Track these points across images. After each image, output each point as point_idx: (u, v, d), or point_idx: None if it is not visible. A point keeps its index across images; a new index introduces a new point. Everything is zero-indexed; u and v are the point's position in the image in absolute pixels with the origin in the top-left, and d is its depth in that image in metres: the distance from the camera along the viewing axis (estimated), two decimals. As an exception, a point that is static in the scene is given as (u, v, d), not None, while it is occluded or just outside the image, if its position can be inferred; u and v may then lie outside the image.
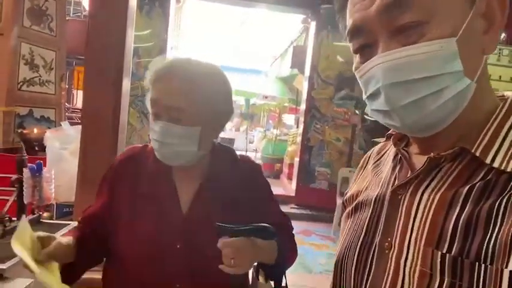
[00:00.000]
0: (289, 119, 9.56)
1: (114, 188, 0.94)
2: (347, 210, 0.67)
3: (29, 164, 1.18)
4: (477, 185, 0.46)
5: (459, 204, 0.46)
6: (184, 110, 0.86)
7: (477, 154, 0.47)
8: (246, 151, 7.18)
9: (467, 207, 0.45)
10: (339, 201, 4.33)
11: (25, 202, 1.16)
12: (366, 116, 4.89)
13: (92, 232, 0.92)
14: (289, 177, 5.89)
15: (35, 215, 1.26)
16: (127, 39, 2.44)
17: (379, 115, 0.53)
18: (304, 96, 5.14)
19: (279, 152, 7.18)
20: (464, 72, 0.46)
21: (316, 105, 4.95)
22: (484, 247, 0.42)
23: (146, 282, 0.89)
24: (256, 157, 8.11)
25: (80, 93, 4.87)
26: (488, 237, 0.43)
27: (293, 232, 1.04)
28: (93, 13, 2.65)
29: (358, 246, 0.58)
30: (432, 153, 0.51)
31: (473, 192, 0.46)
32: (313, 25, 5.06)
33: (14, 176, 1.14)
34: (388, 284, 0.51)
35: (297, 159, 5.21)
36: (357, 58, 0.55)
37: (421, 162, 0.53)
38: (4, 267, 0.92)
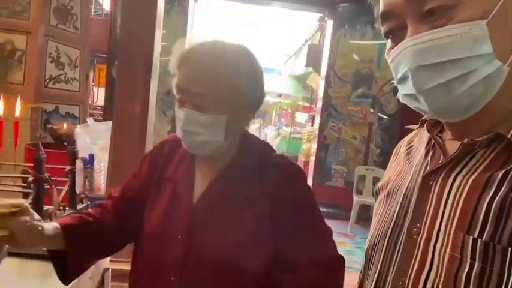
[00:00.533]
0: (300, 117, 9.58)
1: (148, 170, 0.93)
2: (379, 197, 0.67)
3: (81, 156, 1.26)
4: None
5: (493, 189, 0.46)
6: (209, 97, 0.80)
7: None
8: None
9: (500, 192, 0.45)
10: (355, 199, 4.37)
11: (77, 192, 1.23)
12: (380, 114, 4.91)
13: (117, 214, 0.90)
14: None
15: (84, 205, 1.33)
16: (155, 40, 2.52)
17: (408, 99, 0.53)
18: (321, 94, 5.17)
19: (293, 150, 7.22)
20: (495, 55, 0.46)
21: (332, 103, 4.99)
22: None
23: (148, 268, 0.86)
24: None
25: (101, 90, 4.97)
26: None
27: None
28: (124, 15, 2.74)
29: (389, 232, 0.58)
30: (466, 139, 0.51)
31: (509, 177, 0.45)
32: (329, 23, 5.09)
33: (68, 167, 1.22)
34: (415, 269, 0.51)
35: (312, 158, 5.25)
36: (388, 43, 0.55)
37: (454, 148, 0.53)
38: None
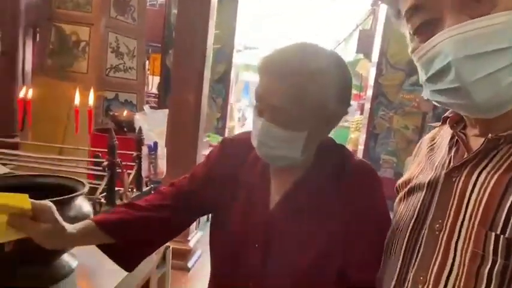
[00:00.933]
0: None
1: (216, 167, 0.91)
2: (399, 195, 0.67)
3: (147, 142, 1.37)
4: None
5: None
6: (290, 113, 0.74)
7: None
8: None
9: None
10: (405, 190, 4.24)
11: (143, 176, 1.34)
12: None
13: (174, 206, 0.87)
14: (351, 165, 5.80)
15: (147, 188, 1.45)
16: (209, 29, 2.61)
17: (443, 95, 0.50)
18: (371, 82, 5.03)
19: (340, 139, 7.10)
20: None
21: (383, 91, 4.83)
22: None
23: (226, 273, 0.88)
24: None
25: (156, 79, 5.19)
26: None
27: None
28: (180, 6, 2.84)
29: (410, 228, 0.58)
30: (490, 134, 0.50)
31: None
32: (383, 7, 4.89)
33: (135, 153, 1.32)
34: (436, 265, 0.51)
35: (361, 147, 5.15)
36: (415, 39, 0.53)
37: (478, 144, 0.52)
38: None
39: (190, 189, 0.90)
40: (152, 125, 2.81)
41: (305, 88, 0.73)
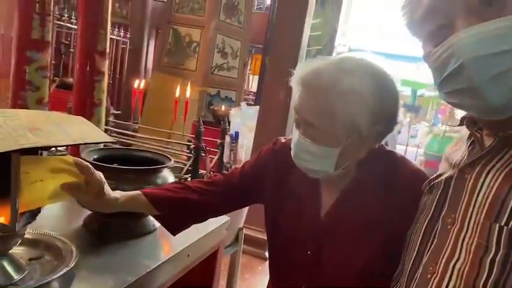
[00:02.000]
0: (461, 114, 8.48)
1: (266, 167, 0.92)
2: (423, 194, 0.68)
3: (230, 132, 1.54)
4: None
5: None
6: (321, 129, 0.74)
7: None
8: (407, 145, 6.78)
9: None
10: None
11: (224, 161, 1.50)
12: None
13: (213, 192, 0.91)
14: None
15: (228, 172, 1.61)
16: (304, 30, 2.70)
17: (456, 96, 0.52)
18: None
19: (443, 149, 6.53)
20: None
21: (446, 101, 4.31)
22: None
23: (281, 278, 0.92)
24: (419, 153, 7.56)
25: (255, 78, 5.48)
26: None
27: None
28: (279, 7, 3.00)
29: (425, 224, 0.60)
30: (501, 133, 0.51)
31: None
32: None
33: (219, 141, 1.49)
34: (445, 257, 0.54)
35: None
36: (427, 45, 0.54)
37: (491, 143, 0.53)
38: (212, 204, 1.24)
39: (239, 182, 0.94)
40: (245, 119, 3.04)
41: (334, 106, 0.72)
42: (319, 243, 0.84)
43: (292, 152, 0.81)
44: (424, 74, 8.44)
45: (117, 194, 0.85)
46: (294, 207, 0.88)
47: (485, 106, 0.50)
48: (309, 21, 2.74)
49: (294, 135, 0.81)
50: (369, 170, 0.81)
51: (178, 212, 0.91)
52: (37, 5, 0.96)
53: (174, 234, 0.93)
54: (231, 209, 1.02)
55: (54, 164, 0.74)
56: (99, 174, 0.80)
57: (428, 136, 7.70)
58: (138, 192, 0.88)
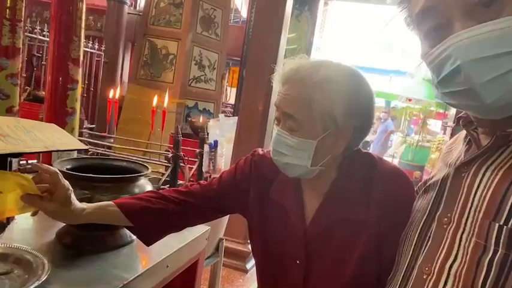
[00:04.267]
0: (434, 124, 8.78)
1: (245, 179, 0.91)
2: (418, 195, 0.68)
3: (209, 141, 1.52)
4: None
5: None
6: (299, 121, 0.76)
7: None
8: (382, 155, 6.94)
9: None
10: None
11: (203, 171, 1.48)
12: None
13: (191, 203, 0.89)
14: (430, 187, 5.45)
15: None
16: (281, 43, 2.73)
17: (454, 97, 0.51)
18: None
19: (420, 159, 6.71)
20: None
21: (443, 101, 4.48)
22: None
23: (268, 286, 0.92)
24: (394, 163, 7.73)
25: (233, 90, 5.49)
26: None
27: None
28: (255, 20, 3.03)
29: (422, 222, 0.59)
30: (498, 131, 0.51)
31: None
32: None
33: (198, 150, 1.47)
34: (441, 256, 0.52)
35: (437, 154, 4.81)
36: (425, 44, 0.54)
37: (488, 142, 0.53)
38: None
39: (217, 192, 0.92)
40: (223, 130, 3.02)
41: (311, 95, 0.75)
42: (307, 251, 0.83)
43: (271, 150, 0.81)
44: (396, 86, 8.73)
45: (85, 205, 0.82)
46: (279, 219, 0.87)
47: (482, 107, 0.49)
48: (285, 34, 2.78)
49: (273, 132, 0.82)
50: (349, 171, 0.83)
51: (154, 223, 0.88)
52: (7, 10, 0.92)
53: (148, 245, 0.90)
54: (207, 219, 1.00)
55: (13, 178, 0.72)
56: (66, 183, 0.77)
57: (402, 146, 7.91)
58: (108, 202, 0.85)
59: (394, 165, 0.88)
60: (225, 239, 1.68)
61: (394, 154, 8.36)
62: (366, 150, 0.88)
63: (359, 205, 0.80)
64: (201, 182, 0.97)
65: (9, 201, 0.73)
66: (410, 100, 7.70)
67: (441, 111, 7.43)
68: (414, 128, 9.58)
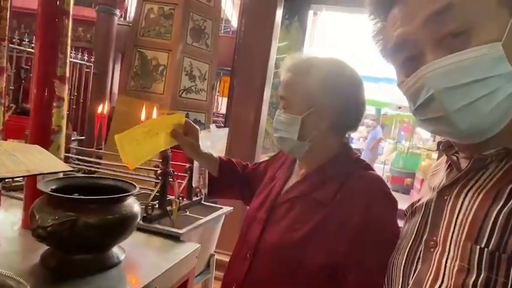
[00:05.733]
0: (425, 132, 8.87)
1: (269, 165, 1.17)
2: (406, 217, 0.68)
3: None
4: None
5: (501, 202, 0.47)
6: (288, 100, 0.95)
7: None
8: (374, 162, 6.97)
9: (508, 205, 0.46)
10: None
11: (193, 185, 1.46)
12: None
13: (239, 173, 1.23)
14: (421, 194, 5.49)
15: (198, 198, 1.57)
16: (271, 53, 2.74)
17: (431, 124, 0.54)
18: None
19: (411, 166, 6.76)
20: None
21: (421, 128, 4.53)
22: None
23: (238, 245, 1.08)
24: (385, 170, 7.77)
25: (224, 100, 5.49)
26: None
27: None
28: (245, 30, 3.04)
29: (408, 247, 0.60)
30: (475, 154, 0.53)
31: None
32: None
33: (187, 165, 1.45)
34: (430, 279, 0.53)
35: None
36: (400, 73, 0.57)
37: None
38: (181, 232, 1.20)
39: (253, 172, 1.23)
40: (214, 141, 3.00)
41: (297, 79, 0.94)
42: (268, 214, 0.98)
43: (273, 130, 1.00)
44: (387, 94, 8.81)
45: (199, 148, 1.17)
46: (267, 189, 1.05)
47: (457, 133, 0.52)
48: (275, 44, 2.79)
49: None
50: (336, 162, 0.96)
51: (227, 176, 1.22)
52: (-10, 29, 0.91)
53: (210, 197, 1.32)
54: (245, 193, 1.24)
55: (169, 120, 1.08)
56: (195, 126, 1.15)
57: (393, 153, 7.96)
58: (214, 155, 1.25)
59: (372, 175, 0.94)
60: (217, 253, 1.66)
61: (386, 161, 8.42)
62: (361, 158, 1.00)
63: (329, 191, 0.91)
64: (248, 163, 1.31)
65: (161, 139, 1.04)
66: (400, 108, 7.78)
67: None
68: (404, 135, 9.67)
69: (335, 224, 0.86)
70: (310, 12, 5.30)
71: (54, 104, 1.04)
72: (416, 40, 0.53)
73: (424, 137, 8.87)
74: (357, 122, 0.98)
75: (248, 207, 1.13)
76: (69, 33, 1.06)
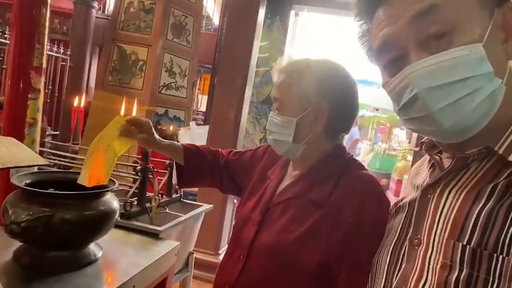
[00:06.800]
0: (401, 133, 9.07)
1: (258, 160, 1.13)
2: (390, 217, 0.69)
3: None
4: (501, 183, 0.49)
5: (483, 201, 0.49)
6: (282, 101, 0.93)
7: (500, 152, 0.50)
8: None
9: (489, 203, 0.48)
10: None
11: (173, 183, 1.44)
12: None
13: (213, 161, 1.17)
14: (397, 194, 5.63)
15: (177, 195, 1.55)
16: (253, 52, 2.74)
17: (415, 123, 0.55)
18: (420, 110, 4.88)
19: (387, 167, 6.90)
20: (495, 73, 0.49)
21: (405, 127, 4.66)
22: (501, 239, 0.45)
23: (230, 247, 1.04)
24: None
25: (204, 97, 5.44)
26: (505, 230, 0.45)
27: None
28: (227, 29, 3.02)
29: (392, 245, 0.61)
30: (458, 153, 0.54)
31: (497, 190, 0.48)
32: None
33: (167, 161, 1.43)
34: (414, 278, 0.54)
35: (406, 177, 4.96)
36: (385, 74, 0.58)
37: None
38: (160, 229, 1.18)
39: (236, 161, 1.17)
40: (194, 139, 2.98)
41: (291, 80, 0.92)
42: (263, 215, 0.96)
43: (267, 132, 0.98)
44: (364, 96, 8.96)
45: (157, 138, 1.11)
46: (261, 190, 1.03)
47: (441, 132, 0.53)
48: (258, 43, 2.79)
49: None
50: (329, 161, 0.95)
51: (196, 164, 1.16)
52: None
53: (180, 186, 1.30)
54: (224, 183, 1.19)
55: (112, 126, 1.02)
56: (146, 119, 1.07)
57: (369, 154, 8.11)
58: (176, 142, 1.19)
59: (363, 174, 0.95)
60: (195, 251, 1.65)
61: (363, 162, 8.56)
62: (354, 158, 1.00)
63: (324, 191, 0.90)
64: (224, 151, 1.23)
65: (116, 147, 1.00)
66: (377, 109, 7.93)
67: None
68: (381, 137, 9.87)
69: (330, 223, 0.86)
70: (292, 13, 5.33)
71: (30, 96, 1.00)
72: (400, 40, 0.54)
73: (400, 139, 9.08)
74: (351, 123, 0.98)
75: (237, 207, 1.11)
76: (47, 23, 1.03)
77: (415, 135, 4.95)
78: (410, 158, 4.96)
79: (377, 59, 0.60)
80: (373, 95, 8.37)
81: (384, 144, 8.00)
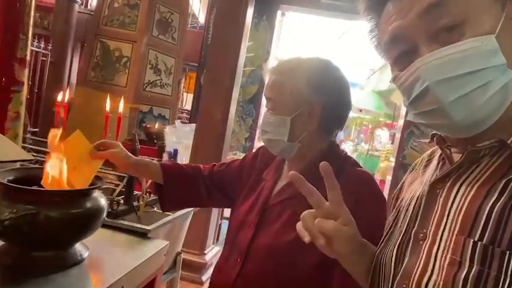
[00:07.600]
0: (383, 134, 9.22)
1: (248, 165, 1.10)
2: (392, 209, 0.68)
3: (167, 150, 1.45)
4: None
5: (495, 196, 0.47)
6: (275, 101, 0.93)
7: None
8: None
9: (502, 198, 0.46)
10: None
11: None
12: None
13: (204, 177, 1.11)
14: (379, 194, 5.70)
15: (165, 194, 1.51)
16: (241, 51, 2.72)
17: (425, 117, 0.54)
18: (403, 112, 4.96)
19: (370, 168, 7.00)
20: (508, 65, 0.48)
21: (415, 121, 4.75)
22: None
23: (226, 250, 1.03)
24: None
25: (190, 96, 5.39)
26: None
27: None
28: (215, 28, 3.00)
29: (399, 241, 0.59)
30: (469, 147, 0.53)
31: (510, 186, 0.47)
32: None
33: (156, 159, 1.40)
34: (418, 273, 0.53)
35: (389, 177, 5.03)
36: (394, 68, 0.57)
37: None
38: (149, 228, 1.15)
39: (223, 172, 1.13)
40: (180, 138, 2.93)
41: (283, 79, 0.92)
42: (260, 217, 0.95)
43: (261, 132, 0.97)
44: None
45: (133, 157, 1.07)
46: (257, 192, 1.02)
47: (452, 126, 0.52)
48: (245, 43, 2.78)
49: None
50: (324, 160, 0.87)
51: (180, 184, 1.08)
52: None
53: (163, 210, 1.15)
54: (213, 196, 1.13)
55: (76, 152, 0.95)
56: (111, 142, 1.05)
57: (353, 155, 8.22)
58: (153, 161, 1.13)
59: (357, 171, 0.95)
60: (183, 251, 1.62)
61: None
62: (349, 155, 1.00)
63: (320, 190, 0.83)
64: (209, 166, 1.18)
65: (86, 169, 0.95)
66: (361, 111, 8.03)
67: (389, 121, 7.82)
68: (363, 138, 10.00)
69: None
70: (279, 13, 5.33)
71: (13, 89, 0.96)
72: (411, 34, 0.53)
73: (382, 140, 9.22)
74: (345, 119, 0.98)
75: (231, 211, 1.08)
76: (32, 13, 0.98)
77: (398, 135, 5.03)
78: (393, 159, 5.03)
79: (387, 53, 0.59)
80: (357, 96, 8.48)
81: (366, 145, 8.11)
